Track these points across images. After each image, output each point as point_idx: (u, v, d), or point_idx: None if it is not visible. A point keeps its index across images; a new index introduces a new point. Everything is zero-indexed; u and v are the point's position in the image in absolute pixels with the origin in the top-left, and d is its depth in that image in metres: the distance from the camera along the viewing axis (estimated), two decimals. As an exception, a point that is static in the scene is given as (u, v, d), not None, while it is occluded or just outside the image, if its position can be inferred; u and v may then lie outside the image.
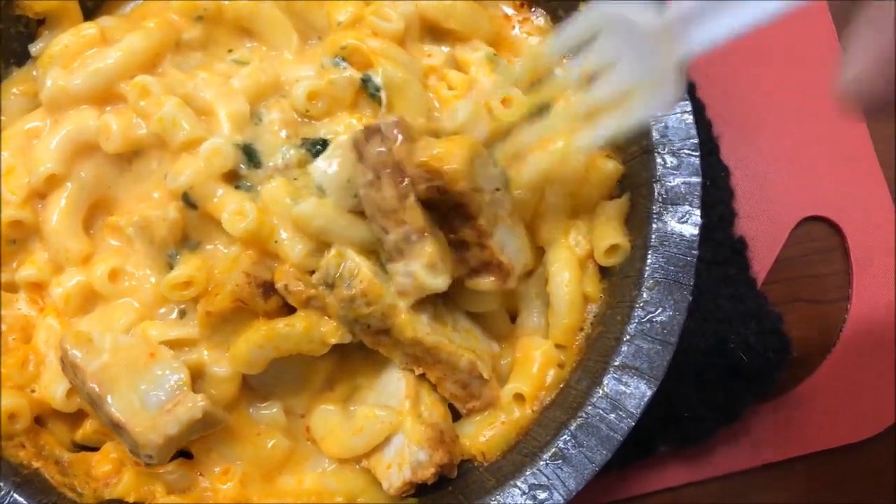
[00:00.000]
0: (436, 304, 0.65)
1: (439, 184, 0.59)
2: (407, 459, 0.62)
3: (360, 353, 0.66)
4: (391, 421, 0.63)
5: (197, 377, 0.63)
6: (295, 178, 0.64)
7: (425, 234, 0.59)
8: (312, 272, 0.63)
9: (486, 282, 0.63)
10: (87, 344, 0.60)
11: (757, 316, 0.76)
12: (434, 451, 0.62)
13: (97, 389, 0.59)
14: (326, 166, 0.63)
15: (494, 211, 0.61)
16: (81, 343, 0.60)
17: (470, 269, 0.63)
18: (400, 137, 0.59)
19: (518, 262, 0.64)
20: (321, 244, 0.63)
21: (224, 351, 0.63)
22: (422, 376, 0.65)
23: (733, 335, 0.75)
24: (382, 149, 0.59)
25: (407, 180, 0.59)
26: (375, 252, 0.63)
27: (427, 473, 0.62)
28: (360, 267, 0.60)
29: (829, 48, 0.85)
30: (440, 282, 0.60)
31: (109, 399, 0.59)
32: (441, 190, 0.59)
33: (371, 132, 0.60)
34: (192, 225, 0.66)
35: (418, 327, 0.62)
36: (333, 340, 0.62)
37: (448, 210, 0.61)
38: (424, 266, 0.59)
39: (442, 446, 0.63)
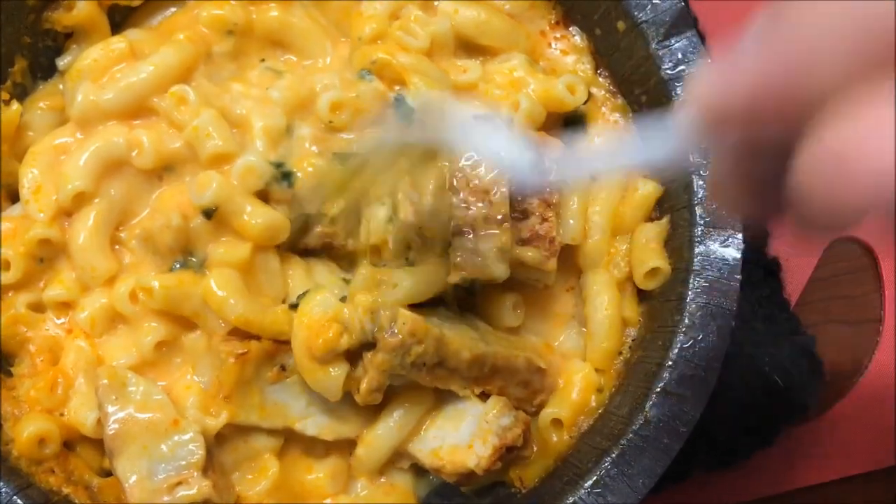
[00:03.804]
0: (465, 318, 0.65)
1: None
2: (490, 429, 0.62)
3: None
4: None
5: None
6: None
7: (506, 224, 0.61)
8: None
9: (532, 253, 0.63)
10: (119, 388, 0.60)
11: (791, 338, 0.76)
12: (516, 413, 0.62)
13: (112, 442, 0.59)
14: None
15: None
16: (115, 383, 0.60)
17: (519, 239, 0.63)
18: None
19: (565, 238, 0.66)
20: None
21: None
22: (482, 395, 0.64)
23: (767, 357, 0.74)
24: None
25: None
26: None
27: (516, 432, 0.62)
28: (397, 309, 0.59)
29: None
30: (503, 269, 0.61)
31: (119, 457, 0.58)
32: None
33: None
34: (197, 235, 0.64)
35: (472, 344, 0.61)
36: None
37: None
38: (496, 249, 0.60)
39: (518, 412, 0.63)
